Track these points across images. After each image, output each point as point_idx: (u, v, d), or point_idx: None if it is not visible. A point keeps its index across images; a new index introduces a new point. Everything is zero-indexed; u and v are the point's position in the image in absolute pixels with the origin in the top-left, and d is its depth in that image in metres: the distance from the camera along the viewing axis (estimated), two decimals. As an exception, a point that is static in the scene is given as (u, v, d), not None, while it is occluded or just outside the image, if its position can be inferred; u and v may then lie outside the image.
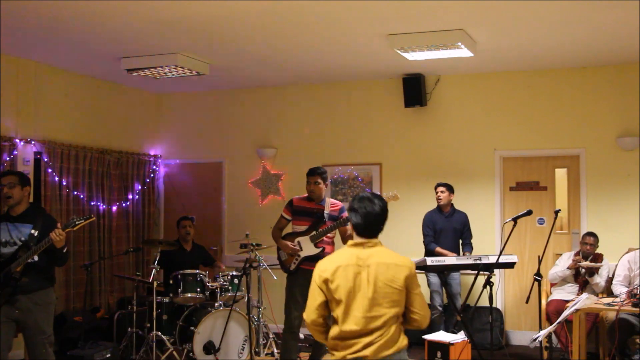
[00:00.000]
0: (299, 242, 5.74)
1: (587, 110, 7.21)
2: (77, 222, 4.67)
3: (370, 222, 3.36)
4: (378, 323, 3.27)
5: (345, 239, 5.62)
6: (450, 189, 6.92)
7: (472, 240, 6.93)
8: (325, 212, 5.72)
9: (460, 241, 6.92)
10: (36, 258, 4.62)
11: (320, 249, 5.67)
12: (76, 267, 7.10)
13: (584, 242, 6.54)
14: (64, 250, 4.67)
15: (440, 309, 6.81)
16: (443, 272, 6.48)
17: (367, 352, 3.27)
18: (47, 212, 5.26)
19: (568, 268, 6.49)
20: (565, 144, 7.30)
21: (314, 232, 5.68)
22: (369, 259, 3.32)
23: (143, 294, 6.73)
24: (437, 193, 6.91)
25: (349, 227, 5.30)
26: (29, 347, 4.76)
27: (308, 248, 5.70)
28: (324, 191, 5.77)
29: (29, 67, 6.84)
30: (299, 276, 5.74)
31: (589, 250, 6.49)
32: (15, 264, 4.54)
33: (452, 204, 6.97)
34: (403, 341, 3.33)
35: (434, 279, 6.77)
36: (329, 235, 5.71)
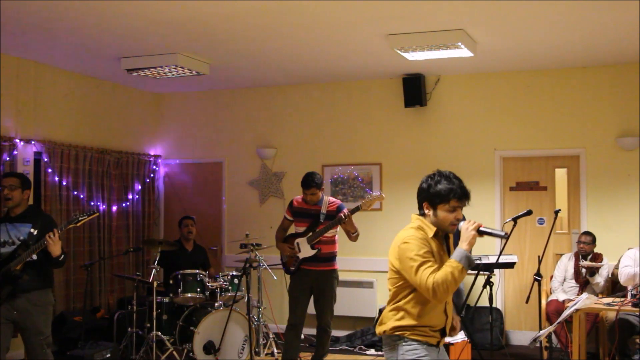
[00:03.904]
0: (297, 244, 5.76)
1: (587, 110, 7.21)
2: (80, 218, 4.68)
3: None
4: (388, 297, 3.23)
5: (349, 236, 5.68)
6: None
7: None
8: (321, 212, 5.71)
9: None
10: (35, 257, 4.63)
11: (316, 250, 5.68)
12: (76, 267, 7.09)
13: (579, 241, 6.57)
14: (60, 259, 4.66)
15: None
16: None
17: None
18: (45, 213, 5.27)
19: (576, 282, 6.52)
20: (565, 144, 7.30)
21: (310, 234, 5.70)
22: None
23: (143, 294, 6.72)
24: None
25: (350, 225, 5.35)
26: (27, 348, 4.77)
27: (306, 249, 5.71)
28: (320, 196, 5.77)
29: (29, 67, 6.83)
30: (299, 276, 5.77)
31: (585, 249, 6.50)
32: (14, 262, 4.55)
33: None
34: (388, 324, 3.12)
35: None
36: (327, 235, 5.69)
